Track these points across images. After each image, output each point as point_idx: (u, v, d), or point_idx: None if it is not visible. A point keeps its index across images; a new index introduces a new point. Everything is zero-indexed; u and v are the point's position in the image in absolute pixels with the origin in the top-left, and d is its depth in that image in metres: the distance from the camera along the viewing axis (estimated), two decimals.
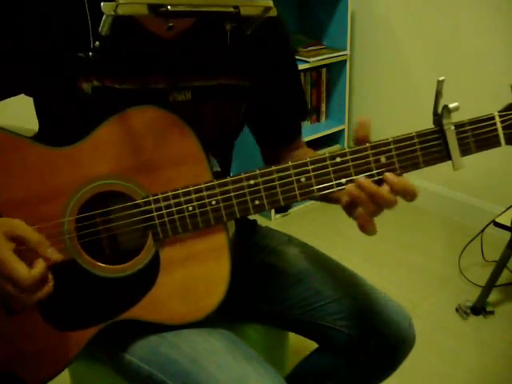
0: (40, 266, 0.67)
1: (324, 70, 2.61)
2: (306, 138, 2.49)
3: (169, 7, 0.63)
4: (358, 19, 2.57)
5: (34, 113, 0.87)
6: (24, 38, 0.76)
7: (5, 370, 0.77)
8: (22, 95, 0.84)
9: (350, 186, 0.70)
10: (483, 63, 2.14)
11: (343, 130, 2.69)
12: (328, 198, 0.84)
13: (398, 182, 0.69)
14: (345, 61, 2.55)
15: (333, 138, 2.71)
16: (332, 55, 2.48)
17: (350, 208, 0.73)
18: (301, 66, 2.40)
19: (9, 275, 0.64)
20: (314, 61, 2.41)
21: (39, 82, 0.79)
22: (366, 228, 0.71)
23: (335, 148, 2.72)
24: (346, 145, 2.73)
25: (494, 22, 2.07)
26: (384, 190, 0.69)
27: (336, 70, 2.62)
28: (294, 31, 2.68)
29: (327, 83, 2.65)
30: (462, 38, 2.19)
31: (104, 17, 0.63)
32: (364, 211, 0.70)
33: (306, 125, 2.66)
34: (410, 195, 0.70)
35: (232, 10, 0.66)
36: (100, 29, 0.65)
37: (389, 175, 0.70)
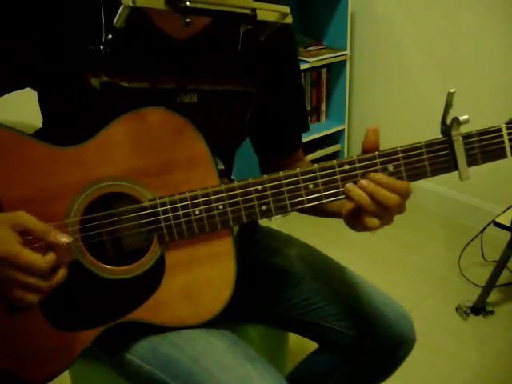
0: (51, 254, 0.67)
1: (324, 70, 2.61)
2: (306, 138, 2.49)
3: (187, 3, 0.62)
4: (358, 19, 2.57)
5: (34, 108, 0.87)
6: (36, 29, 0.75)
7: (3, 369, 0.77)
8: (23, 91, 0.83)
9: (351, 187, 0.71)
10: (483, 62, 2.14)
11: (343, 130, 2.68)
12: (323, 211, 0.86)
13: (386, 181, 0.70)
14: (345, 61, 2.54)
15: (333, 138, 2.71)
16: (332, 55, 2.48)
17: (354, 216, 0.74)
18: (301, 66, 2.38)
19: (26, 265, 0.64)
20: (314, 61, 2.41)
21: (48, 73, 0.78)
22: (371, 225, 0.71)
23: (335, 148, 2.72)
24: (346, 145, 2.73)
25: (495, 22, 2.07)
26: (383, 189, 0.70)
27: (336, 70, 2.62)
28: (294, 31, 2.68)
29: (327, 83, 2.65)
30: (462, 38, 2.19)
31: (121, 8, 0.62)
32: (369, 215, 0.70)
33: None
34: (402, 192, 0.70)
35: (249, 12, 0.66)
36: (115, 21, 0.64)
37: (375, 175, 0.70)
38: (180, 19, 0.64)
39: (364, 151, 0.72)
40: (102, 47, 0.71)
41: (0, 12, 0.74)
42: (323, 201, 0.73)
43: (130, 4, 0.61)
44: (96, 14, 0.75)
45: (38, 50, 0.76)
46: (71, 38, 0.76)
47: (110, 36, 0.69)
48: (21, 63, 0.78)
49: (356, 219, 0.74)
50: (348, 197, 0.72)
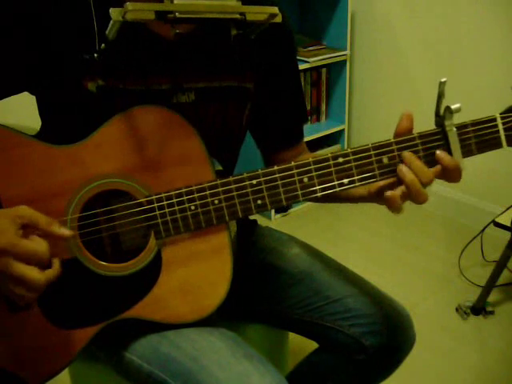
0: (56, 266, 0.68)
1: (324, 70, 2.61)
2: (306, 138, 2.48)
3: (177, 14, 0.63)
4: (358, 19, 2.57)
5: (35, 111, 0.87)
6: (30, 39, 0.76)
7: (3, 368, 0.77)
8: (23, 94, 0.83)
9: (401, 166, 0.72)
10: (483, 63, 2.14)
11: (343, 130, 2.68)
12: (350, 197, 0.86)
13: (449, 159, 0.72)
14: (345, 61, 2.55)
15: (333, 138, 2.71)
16: (332, 55, 2.48)
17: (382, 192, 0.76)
18: (301, 66, 2.40)
19: (25, 254, 0.65)
20: (314, 61, 2.41)
21: (44, 80, 0.79)
22: (395, 206, 0.73)
23: (335, 148, 2.72)
24: (346, 145, 2.73)
25: (494, 22, 2.07)
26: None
27: (336, 70, 2.62)
28: (294, 31, 2.68)
29: (327, 83, 2.65)
30: (462, 38, 2.19)
31: (112, 22, 0.63)
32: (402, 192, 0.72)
33: (306, 125, 2.65)
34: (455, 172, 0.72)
35: (238, 16, 0.67)
36: (107, 33, 0.65)
37: (439, 153, 0.72)
38: (170, 29, 0.65)
39: (397, 136, 0.74)
40: (96, 55, 0.72)
41: None
42: (318, 194, 0.74)
43: (121, 19, 0.62)
44: (88, 23, 0.76)
45: (32, 56, 0.77)
46: (65, 46, 0.77)
47: (103, 45, 0.70)
48: (17, 68, 0.78)
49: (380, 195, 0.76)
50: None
